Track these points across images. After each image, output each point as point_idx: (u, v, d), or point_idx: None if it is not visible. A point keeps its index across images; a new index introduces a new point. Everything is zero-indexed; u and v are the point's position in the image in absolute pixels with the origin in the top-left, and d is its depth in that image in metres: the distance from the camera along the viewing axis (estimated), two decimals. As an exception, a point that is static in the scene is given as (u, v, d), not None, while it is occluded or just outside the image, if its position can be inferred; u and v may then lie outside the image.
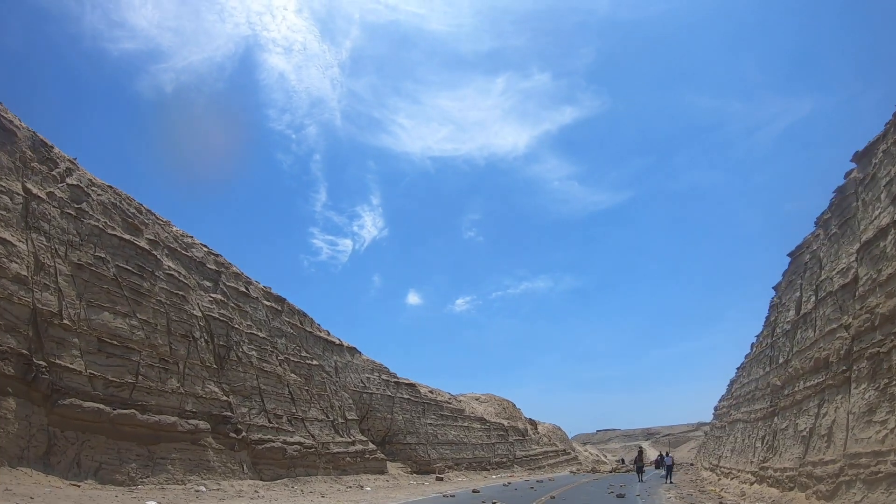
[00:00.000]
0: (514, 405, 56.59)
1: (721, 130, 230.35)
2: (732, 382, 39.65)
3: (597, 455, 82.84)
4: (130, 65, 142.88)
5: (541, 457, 51.48)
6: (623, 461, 66.49)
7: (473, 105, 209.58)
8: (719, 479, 29.15)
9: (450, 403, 39.93)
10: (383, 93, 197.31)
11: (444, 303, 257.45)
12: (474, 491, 23.00)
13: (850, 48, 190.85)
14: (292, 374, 23.69)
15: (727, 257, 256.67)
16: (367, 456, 26.52)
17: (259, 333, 22.47)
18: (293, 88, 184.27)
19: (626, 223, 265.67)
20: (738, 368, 37.95)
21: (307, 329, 27.23)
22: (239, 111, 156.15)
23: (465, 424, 40.51)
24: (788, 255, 24.23)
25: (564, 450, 61.19)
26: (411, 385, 35.58)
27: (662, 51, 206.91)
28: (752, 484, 22.74)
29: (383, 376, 32.85)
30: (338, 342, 29.96)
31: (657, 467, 55.33)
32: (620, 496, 21.34)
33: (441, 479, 30.62)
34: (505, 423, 47.95)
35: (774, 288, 27.51)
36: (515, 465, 44.44)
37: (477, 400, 51.03)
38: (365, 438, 27.81)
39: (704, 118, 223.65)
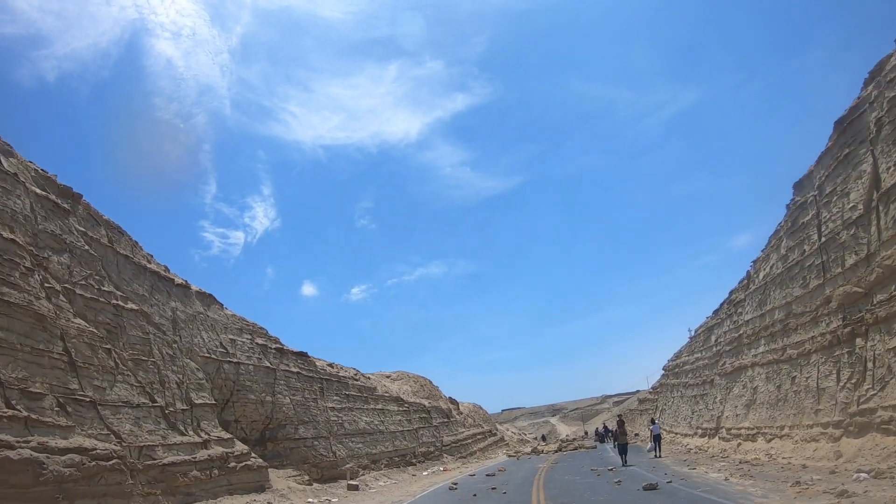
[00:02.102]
0: (432, 382, 48.02)
1: (610, 117, 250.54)
2: (706, 330, 33.58)
3: (519, 433, 77.08)
4: (9, 51, 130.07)
5: (470, 441, 43.35)
6: (587, 433, 61.19)
7: (366, 93, 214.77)
8: (739, 444, 22.29)
9: (357, 381, 30.24)
10: (274, 80, 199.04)
11: (339, 292, 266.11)
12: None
13: (733, 40, 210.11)
14: (78, 321, 12.86)
15: (617, 238, 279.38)
16: (233, 464, 16.27)
17: (3, 234, 11.45)
18: (181, 76, 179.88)
19: (519, 208, 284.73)
20: (711, 316, 31.94)
21: (122, 252, 16.22)
22: (124, 100, 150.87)
23: (380, 407, 31.07)
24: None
25: (490, 430, 53.78)
26: (302, 355, 25.44)
27: (554, 40, 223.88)
28: (838, 440, 15.61)
29: (258, 340, 22.40)
30: (180, 282, 19.07)
31: (603, 440, 49.54)
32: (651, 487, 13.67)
33: (355, 488, 21.01)
34: (426, 403, 39.11)
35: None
36: (445, 455, 35.78)
37: (388, 378, 41.67)
38: (229, 435, 17.47)
39: (594, 105, 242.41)
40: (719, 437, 25.65)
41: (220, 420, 18.08)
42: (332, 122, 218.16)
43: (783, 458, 17.57)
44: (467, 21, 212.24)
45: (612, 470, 21.06)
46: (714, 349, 30.49)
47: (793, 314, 20.47)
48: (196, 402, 16.39)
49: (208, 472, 15.05)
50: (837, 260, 17.62)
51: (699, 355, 34.25)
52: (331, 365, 29.04)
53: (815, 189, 19.71)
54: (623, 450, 24.89)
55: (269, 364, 21.84)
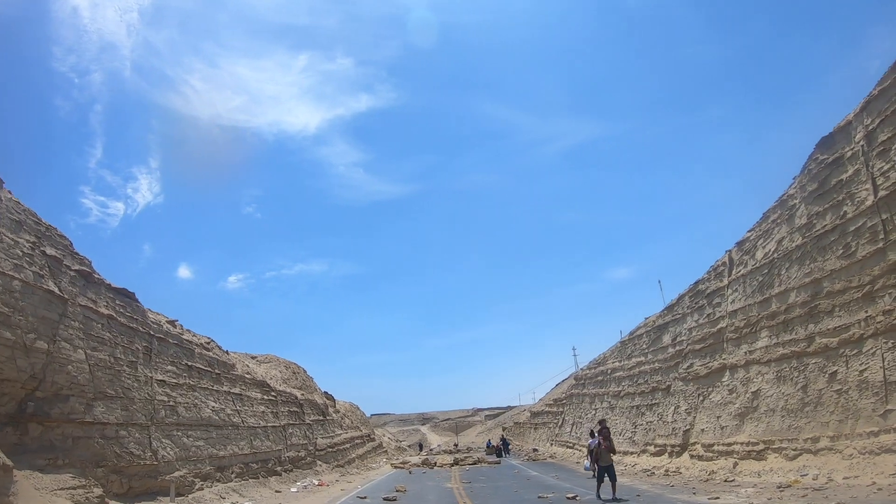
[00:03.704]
0: (306, 371, 39.97)
1: (509, 139, 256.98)
2: (654, 330, 28.99)
3: (395, 440, 70.28)
4: None
5: (348, 446, 35.77)
6: (456, 445, 56.17)
7: (272, 79, 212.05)
8: (736, 465, 17.22)
9: (207, 350, 21.93)
10: (181, 50, 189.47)
11: (216, 279, 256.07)
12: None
13: (638, 87, 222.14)
14: None
15: (500, 257, 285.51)
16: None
17: None
18: (85, 27, 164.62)
19: (408, 216, 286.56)
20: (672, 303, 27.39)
21: None
22: (21, 42, 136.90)
23: (237, 391, 22.92)
24: None
25: (369, 435, 46.40)
26: (124, 295, 17.00)
27: (467, 56, 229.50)
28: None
29: (47, 249, 13.74)
30: None
31: (500, 454, 44.26)
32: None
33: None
34: (298, 394, 31.18)
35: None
36: (319, 462, 28.13)
37: (254, 359, 33.19)
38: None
39: (495, 125, 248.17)
40: (690, 455, 20.59)
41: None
42: (233, 102, 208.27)
43: (843, 479, 12.47)
44: (385, 23, 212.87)
45: (576, 500, 14.96)
46: (670, 350, 25.78)
47: (825, 294, 15.89)
48: None
49: None
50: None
51: (641, 359, 29.59)
52: (172, 322, 20.54)
53: (861, 140, 15.49)
54: (609, 475, 15.07)
55: (56, 290, 13.32)
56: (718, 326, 21.68)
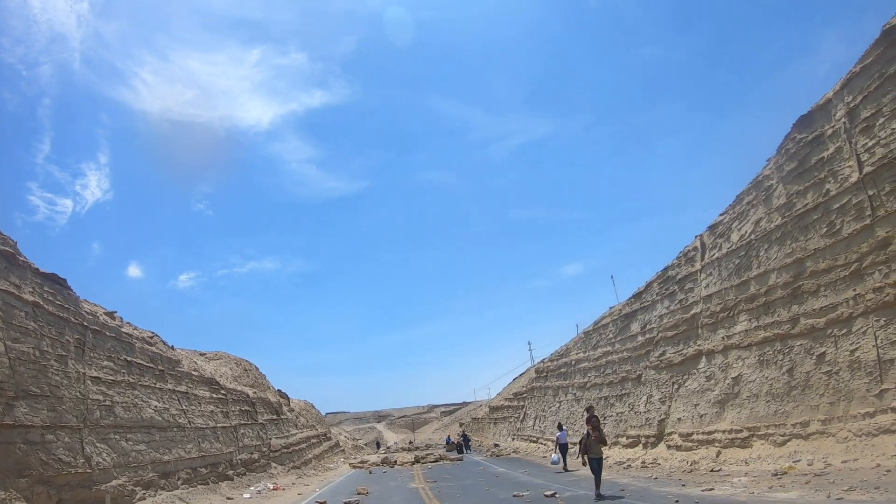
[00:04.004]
0: (258, 369, 37.96)
1: (462, 136, 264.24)
2: (621, 318, 28.47)
3: (352, 439, 68.49)
4: None
5: (304, 446, 34.03)
6: (449, 440, 55.00)
7: (224, 72, 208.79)
8: (719, 453, 16.64)
9: (150, 345, 20.01)
10: (132, 42, 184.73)
11: (167, 277, 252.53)
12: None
13: (589, 85, 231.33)
14: None
15: (452, 254, 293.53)
16: None
17: None
18: (34, 17, 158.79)
19: (361, 212, 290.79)
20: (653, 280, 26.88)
21: None
22: None
23: (183, 389, 21.05)
24: None
25: (325, 434, 44.64)
26: (54, 281, 15.08)
27: (421, 53, 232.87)
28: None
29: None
30: None
31: (461, 450, 43.28)
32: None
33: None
34: (250, 392, 29.33)
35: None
36: (273, 463, 26.43)
37: (203, 357, 31.09)
38: None
39: (448, 123, 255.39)
40: (667, 446, 19.99)
41: None
42: (184, 96, 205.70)
43: (841, 463, 11.90)
44: (340, 19, 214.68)
45: (555, 497, 13.95)
46: (640, 339, 25.26)
47: (809, 273, 15.49)
48: None
49: None
50: (896, 191, 12.88)
51: (608, 349, 29.05)
52: (110, 314, 18.54)
53: (843, 117, 15.20)
54: (597, 469, 13.86)
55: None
56: (692, 312, 21.19)
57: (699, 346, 20.15)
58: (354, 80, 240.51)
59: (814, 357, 14.72)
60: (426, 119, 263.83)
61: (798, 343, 15.36)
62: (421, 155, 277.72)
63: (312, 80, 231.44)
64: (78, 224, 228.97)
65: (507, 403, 58.22)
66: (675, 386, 20.98)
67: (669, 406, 21.00)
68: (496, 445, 47.63)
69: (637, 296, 27.22)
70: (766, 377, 16.14)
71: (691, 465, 16.85)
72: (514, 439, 47.36)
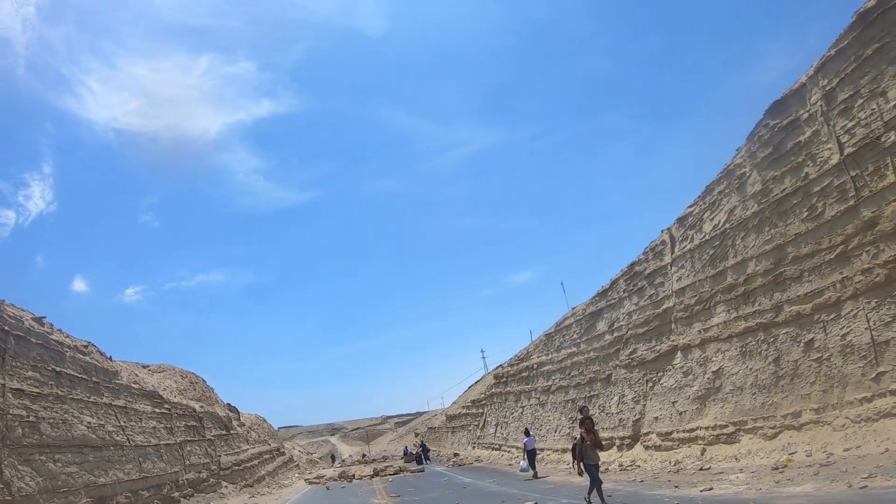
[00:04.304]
0: (206, 382, 35.58)
1: (411, 146, 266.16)
2: (586, 318, 27.82)
3: (307, 453, 65.82)
4: None
5: (256, 462, 31.88)
6: (407, 451, 53.13)
7: (171, 81, 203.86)
8: (704, 451, 15.97)
9: (84, 355, 17.93)
10: (78, 48, 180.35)
11: (113, 291, 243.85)
12: None
13: (536, 96, 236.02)
14: None
15: (405, 263, 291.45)
16: None
17: None
18: None
19: (309, 223, 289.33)
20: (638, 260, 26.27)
21: None
22: None
23: (122, 403, 18.99)
24: None
25: (279, 449, 42.29)
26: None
27: (370, 63, 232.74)
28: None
29: None
30: None
31: (420, 461, 41.83)
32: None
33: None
34: (197, 406, 27.18)
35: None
36: (224, 482, 24.40)
37: (146, 369, 28.70)
38: None
39: (397, 132, 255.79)
40: (645, 447, 19.25)
41: None
42: (130, 105, 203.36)
43: (843, 452, 11.35)
44: (289, 27, 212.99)
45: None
46: (608, 337, 24.60)
47: (790, 259, 15.12)
48: None
49: None
50: (880, 171, 12.90)
51: (573, 350, 28.30)
52: (38, 320, 16.43)
53: (819, 101, 15.03)
54: (594, 477, 12.36)
55: None
56: (664, 307, 20.63)
57: (673, 341, 19.56)
58: (303, 90, 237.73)
59: (801, 344, 14.23)
60: (375, 129, 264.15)
61: (783, 331, 14.87)
62: (370, 165, 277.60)
63: (261, 89, 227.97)
64: (21, 236, 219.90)
65: (464, 411, 57.01)
66: (650, 384, 20.32)
67: (644, 405, 20.32)
68: (456, 455, 46.36)
69: (602, 294, 26.60)
70: (751, 368, 15.58)
71: (675, 465, 16.11)
72: (474, 447, 46.16)
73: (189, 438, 23.58)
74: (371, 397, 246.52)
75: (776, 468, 11.81)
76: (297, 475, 37.51)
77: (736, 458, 14.26)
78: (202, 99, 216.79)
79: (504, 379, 41.85)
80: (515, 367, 39.24)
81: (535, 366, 34.04)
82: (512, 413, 37.56)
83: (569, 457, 24.52)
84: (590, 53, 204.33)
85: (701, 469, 14.41)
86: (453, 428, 60.03)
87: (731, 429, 15.45)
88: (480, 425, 46.89)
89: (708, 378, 17.15)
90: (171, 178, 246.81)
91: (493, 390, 44.63)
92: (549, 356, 32.05)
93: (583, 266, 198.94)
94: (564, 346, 30.11)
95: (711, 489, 11.35)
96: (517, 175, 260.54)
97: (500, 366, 48.82)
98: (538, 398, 32.43)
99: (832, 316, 13.55)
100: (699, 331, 18.32)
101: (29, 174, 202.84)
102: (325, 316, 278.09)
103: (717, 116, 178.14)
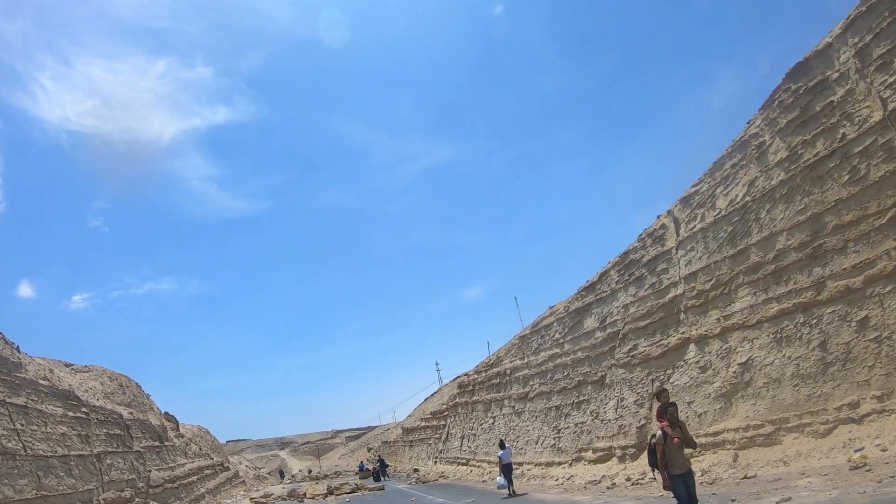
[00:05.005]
0: (140, 387, 31.41)
1: (365, 159, 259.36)
2: (571, 315, 25.25)
3: (254, 468, 61.04)
4: None
5: (195, 478, 27.79)
6: (363, 466, 49.43)
7: (126, 83, 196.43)
8: (736, 457, 13.42)
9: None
10: (34, 44, 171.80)
11: (59, 298, 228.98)
12: None
13: (492, 111, 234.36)
14: None
15: (356, 276, 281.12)
16: None
17: None
18: None
19: (261, 233, 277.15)
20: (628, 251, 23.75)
21: None
22: None
23: (22, 402, 15.20)
24: None
25: (222, 463, 37.99)
26: None
27: (326, 73, 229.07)
28: None
29: None
30: None
31: (379, 477, 38.39)
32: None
33: None
34: (125, 412, 23.24)
35: None
36: (153, 503, 20.57)
37: (70, 368, 24.61)
38: None
39: (351, 144, 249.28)
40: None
41: None
42: (83, 105, 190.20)
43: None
44: (248, 34, 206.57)
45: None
46: (599, 335, 22.03)
47: (831, 229, 13.07)
48: None
49: None
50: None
51: (556, 351, 25.60)
52: None
53: (850, 59, 13.56)
54: (687, 490, 8.46)
55: None
56: (670, 296, 18.25)
57: (684, 333, 17.16)
58: (259, 98, 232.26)
59: (853, 324, 12.02)
60: (330, 140, 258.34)
61: (828, 310, 12.65)
62: (323, 176, 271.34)
63: (217, 95, 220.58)
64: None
65: (423, 424, 53.55)
66: (657, 384, 17.77)
67: (650, 408, 17.74)
68: (416, 470, 42.95)
69: (589, 287, 24.08)
70: (789, 357, 13.23)
71: (703, 474, 13.47)
72: (436, 462, 42.90)
73: (111, 449, 19.75)
74: (321, 411, 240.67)
75: (856, 467, 9.33)
76: (242, 493, 33.55)
77: (784, 462, 11.77)
78: (157, 102, 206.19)
79: (470, 387, 38.78)
80: (483, 374, 36.26)
81: (508, 371, 31.21)
82: (481, 424, 34.55)
83: (555, 471, 21.99)
84: (547, 72, 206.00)
85: (745, 478, 11.82)
86: (411, 442, 56.45)
87: (768, 428, 12.99)
88: (443, 438, 43.65)
89: (733, 372, 14.71)
90: (123, 183, 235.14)
91: (456, 400, 41.48)
92: (526, 360, 29.31)
93: (535, 281, 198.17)
94: (544, 347, 27.41)
95: (790, 499, 8.70)
96: (470, 190, 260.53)
97: (467, 373, 45.80)
98: (513, 406, 29.58)
99: (889, 288, 11.52)
100: (717, 319, 15.96)
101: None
102: (275, 328, 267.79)
103: (669, 136, 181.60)
